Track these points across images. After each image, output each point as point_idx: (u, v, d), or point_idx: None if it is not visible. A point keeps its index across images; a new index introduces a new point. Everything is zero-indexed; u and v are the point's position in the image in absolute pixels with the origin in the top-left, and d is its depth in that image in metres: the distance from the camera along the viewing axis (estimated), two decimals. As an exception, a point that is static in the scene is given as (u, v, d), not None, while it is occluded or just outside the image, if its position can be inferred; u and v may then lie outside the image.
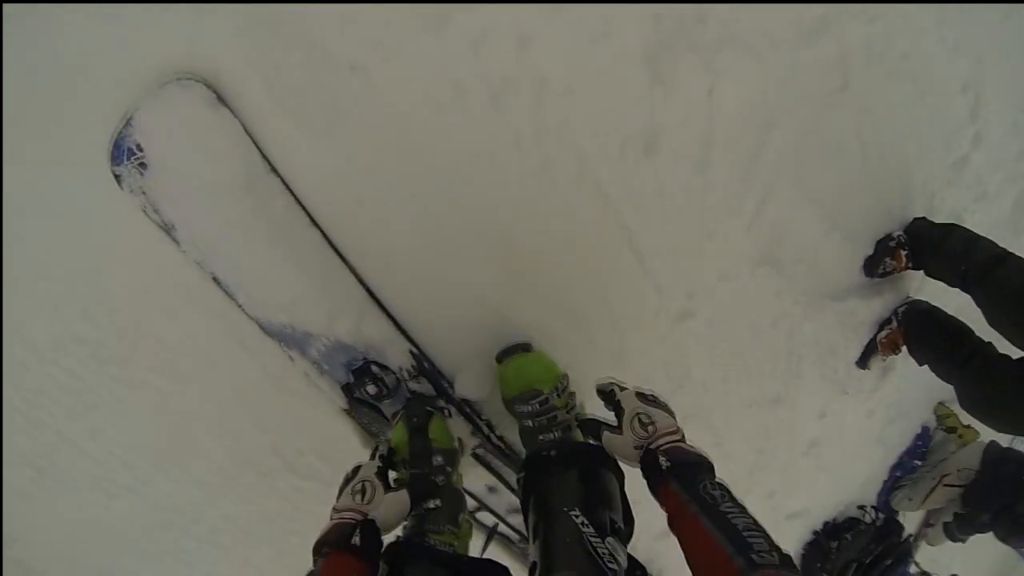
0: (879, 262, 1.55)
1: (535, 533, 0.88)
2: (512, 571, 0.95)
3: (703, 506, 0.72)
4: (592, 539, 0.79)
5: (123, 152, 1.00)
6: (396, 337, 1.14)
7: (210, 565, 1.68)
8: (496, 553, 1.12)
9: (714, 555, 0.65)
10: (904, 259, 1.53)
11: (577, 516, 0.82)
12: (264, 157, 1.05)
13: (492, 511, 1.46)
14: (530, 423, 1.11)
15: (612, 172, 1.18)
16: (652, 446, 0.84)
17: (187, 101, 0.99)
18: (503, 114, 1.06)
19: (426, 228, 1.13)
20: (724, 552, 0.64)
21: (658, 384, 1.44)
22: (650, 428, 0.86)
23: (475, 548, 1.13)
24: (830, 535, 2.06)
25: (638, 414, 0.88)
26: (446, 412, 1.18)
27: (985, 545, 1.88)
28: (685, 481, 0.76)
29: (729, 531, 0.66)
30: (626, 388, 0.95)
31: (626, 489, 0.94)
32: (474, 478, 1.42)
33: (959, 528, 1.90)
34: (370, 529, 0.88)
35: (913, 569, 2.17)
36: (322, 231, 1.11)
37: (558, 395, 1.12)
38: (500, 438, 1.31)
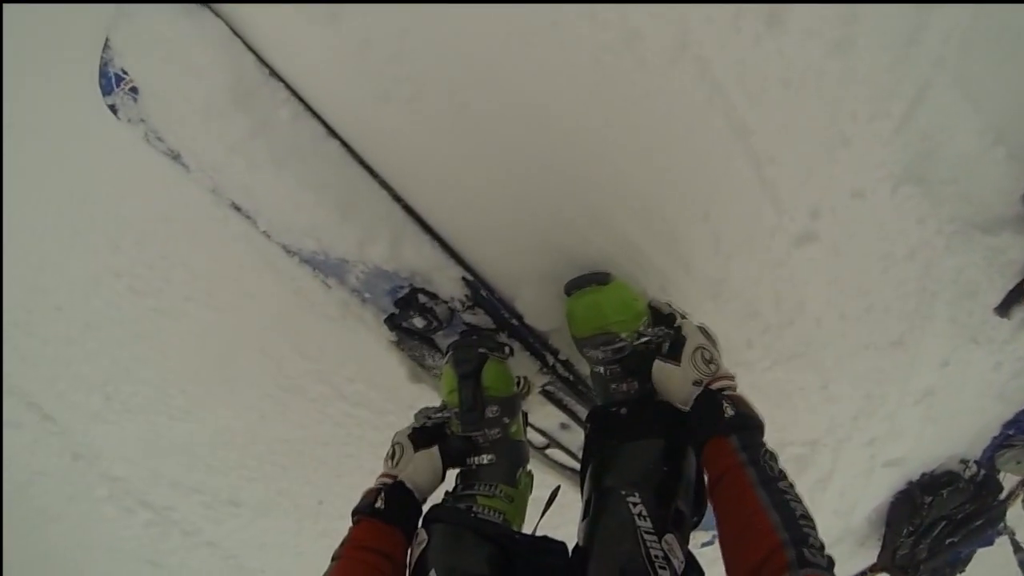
0: (1048, 191, 1.22)
1: (585, 510, 0.77)
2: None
3: (762, 476, 0.64)
4: (647, 536, 0.67)
5: (111, 80, 0.89)
6: (444, 261, 0.95)
7: (272, 481, 1.71)
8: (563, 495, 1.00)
9: (764, 535, 0.59)
10: None
11: (635, 504, 0.70)
12: (260, 59, 0.87)
13: (565, 449, 1.34)
14: (602, 369, 0.93)
15: (723, 49, 0.90)
16: (713, 386, 0.76)
17: (157, 9, 0.84)
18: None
19: (474, 124, 0.89)
20: (777, 537, 0.58)
21: (765, 318, 1.27)
22: (712, 366, 0.78)
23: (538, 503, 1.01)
24: (925, 488, 1.87)
25: (701, 347, 0.80)
26: (507, 350, 1.01)
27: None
28: (747, 441, 0.68)
29: (787, 515, 0.60)
30: (687, 317, 0.87)
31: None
32: (543, 416, 1.29)
33: None
34: (396, 491, 0.83)
35: (1001, 530, 1.96)
36: (342, 140, 0.91)
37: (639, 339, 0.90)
38: (574, 374, 1.14)
